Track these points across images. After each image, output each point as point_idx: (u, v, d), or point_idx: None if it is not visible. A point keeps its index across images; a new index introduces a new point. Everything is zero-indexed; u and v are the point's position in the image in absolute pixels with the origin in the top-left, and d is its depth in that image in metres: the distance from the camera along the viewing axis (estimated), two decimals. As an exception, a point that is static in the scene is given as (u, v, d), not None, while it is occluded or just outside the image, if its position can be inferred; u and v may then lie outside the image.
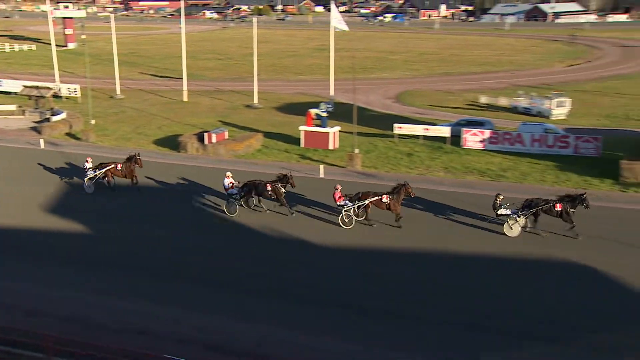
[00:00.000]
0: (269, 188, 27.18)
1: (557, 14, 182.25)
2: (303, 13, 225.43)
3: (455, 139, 39.14)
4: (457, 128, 40.00)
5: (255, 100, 54.45)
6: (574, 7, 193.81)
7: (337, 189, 26.31)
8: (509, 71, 77.50)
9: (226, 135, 40.60)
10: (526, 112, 50.58)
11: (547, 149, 37.11)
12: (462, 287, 20.60)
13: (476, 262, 22.59)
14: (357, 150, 36.46)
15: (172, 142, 40.87)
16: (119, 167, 30.67)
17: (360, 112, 43.74)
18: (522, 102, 51.96)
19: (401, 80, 70.82)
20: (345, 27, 44.63)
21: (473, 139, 38.67)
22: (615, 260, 22.09)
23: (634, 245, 23.38)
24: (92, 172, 30.65)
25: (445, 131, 39.95)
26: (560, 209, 24.40)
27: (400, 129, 41.17)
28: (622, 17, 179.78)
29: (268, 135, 42.28)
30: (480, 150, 38.01)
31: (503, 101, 54.12)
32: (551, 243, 23.89)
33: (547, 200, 24.89)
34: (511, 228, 24.67)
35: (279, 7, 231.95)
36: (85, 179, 30.66)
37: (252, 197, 27.84)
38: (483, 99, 55.68)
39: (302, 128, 40.27)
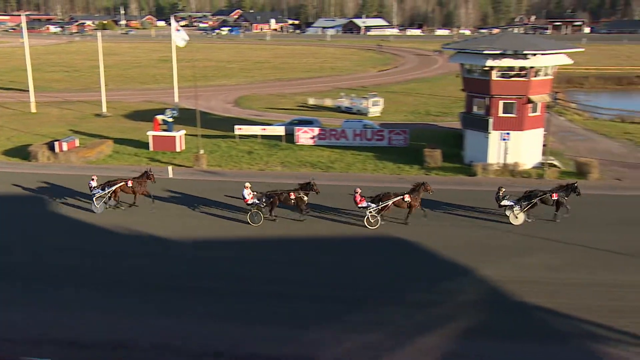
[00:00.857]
0: (292, 197, 25.09)
1: (368, 28, 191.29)
2: (146, 27, 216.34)
3: (290, 136, 39.57)
4: (291, 127, 40.46)
5: (104, 109, 51.27)
6: (381, 22, 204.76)
7: (357, 192, 24.61)
8: (331, 76, 79.93)
9: (77, 143, 37.79)
10: (348, 110, 52.39)
11: (366, 142, 38.69)
12: (309, 265, 20.90)
13: (319, 243, 23.03)
14: (202, 151, 35.64)
15: (22, 152, 37.26)
16: (129, 183, 26.59)
17: (203, 116, 42.88)
18: (344, 102, 53.74)
19: (239, 86, 70.37)
20: (182, 43, 43.41)
21: (304, 136, 39.35)
22: (423, 230, 23.72)
23: (440, 217, 25.25)
24: (99, 190, 26.24)
25: (280, 130, 40.25)
26: (556, 198, 24.69)
27: (240, 130, 40.82)
28: (417, 32, 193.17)
29: (118, 141, 39.97)
30: (312, 146, 38.77)
31: (328, 102, 55.64)
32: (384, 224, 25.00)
33: (545, 190, 25.05)
34: (516, 217, 24.59)
35: (123, 22, 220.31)
36: (94, 199, 26.19)
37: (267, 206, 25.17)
38: (311, 101, 56.87)
39: (150, 133, 38.56)
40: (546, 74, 32.26)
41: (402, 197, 24.65)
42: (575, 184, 25.19)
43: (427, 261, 21.22)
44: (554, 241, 22.59)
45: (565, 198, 24.83)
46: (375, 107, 51.35)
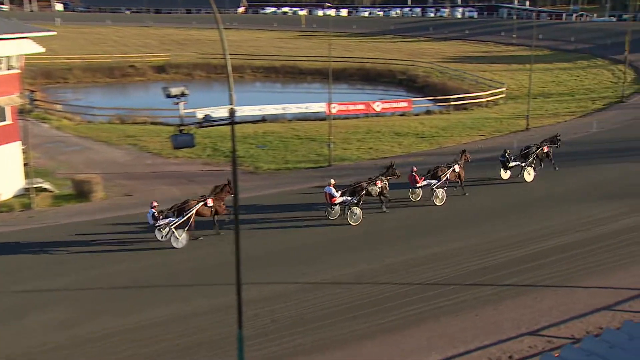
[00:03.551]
0: (379, 185, 29.97)
1: None
2: None
3: None
4: None
5: None
6: None
7: (414, 171, 31.30)
8: None
9: None
10: None
11: None
12: None
13: None
14: None
15: None
16: (209, 202, 27.63)
17: None
18: None
19: None
20: None
21: None
22: None
23: None
24: (172, 219, 26.71)
25: None
26: (547, 150, 36.15)
27: None
28: None
29: None
30: None
31: None
32: None
33: (537, 145, 36.03)
34: (529, 174, 34.97)
35: None
36: (175, 229, 26.55)
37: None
38: None
39: None
40: (11, 67, 32.56)
41: (453, 168, 32.11)
42: (558, 135, 37.70)
43: None
44: (68, 291, 22.99)
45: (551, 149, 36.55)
46: None
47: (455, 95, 62.32)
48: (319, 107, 56.13)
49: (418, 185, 31.63)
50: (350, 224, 28.73)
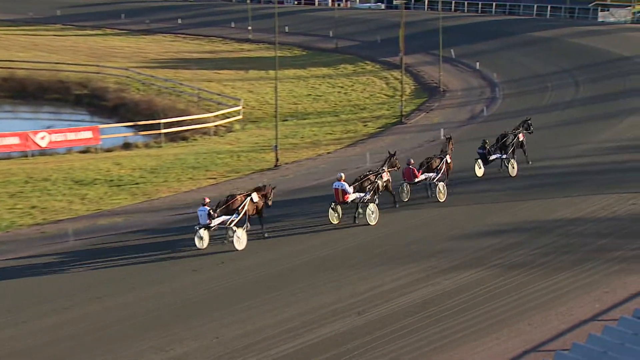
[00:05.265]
0: (385, 178, 38.50)
1: None
2: None
3: None
4: None
5: None
6: None
7: (411, 164, 40.17)
8: None
9: None
10: None
11: None
12: None
13: None
14: None
15: None
16: (255, 198, 35.25)
17: None
18: None
19: None
20: None
21: None
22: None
23: None
24: (222, 218, 34.49)
25: None
26: (522, 139, 46.43)
27: None
28: None
29: None
30: None
31: None
32: None
33: (514, 133, 46.16)
34: (513, 167, 45.40)
35: None
36: (236, 228, 34.51)
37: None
38: None
39: None
40: None
41: (445, 159, 40.74)
42: (529, 119, 48.68)
43: None
44: None
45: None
46: None
47: (167, 119, 63.35)
48: None
49: (417, 180, 40.12)
50: (370, 225, 37.04)
